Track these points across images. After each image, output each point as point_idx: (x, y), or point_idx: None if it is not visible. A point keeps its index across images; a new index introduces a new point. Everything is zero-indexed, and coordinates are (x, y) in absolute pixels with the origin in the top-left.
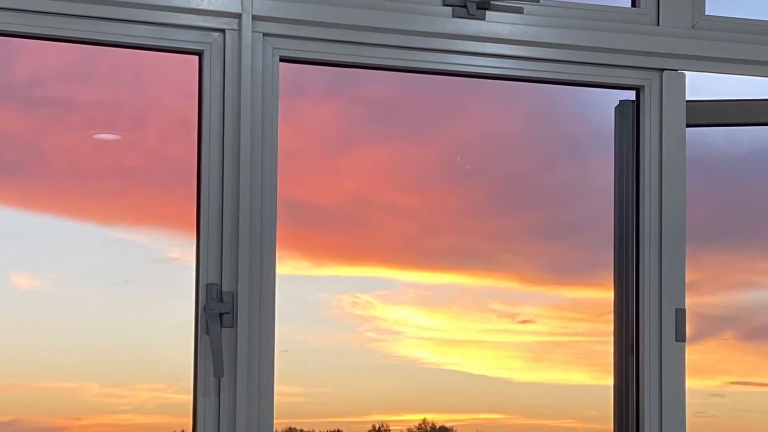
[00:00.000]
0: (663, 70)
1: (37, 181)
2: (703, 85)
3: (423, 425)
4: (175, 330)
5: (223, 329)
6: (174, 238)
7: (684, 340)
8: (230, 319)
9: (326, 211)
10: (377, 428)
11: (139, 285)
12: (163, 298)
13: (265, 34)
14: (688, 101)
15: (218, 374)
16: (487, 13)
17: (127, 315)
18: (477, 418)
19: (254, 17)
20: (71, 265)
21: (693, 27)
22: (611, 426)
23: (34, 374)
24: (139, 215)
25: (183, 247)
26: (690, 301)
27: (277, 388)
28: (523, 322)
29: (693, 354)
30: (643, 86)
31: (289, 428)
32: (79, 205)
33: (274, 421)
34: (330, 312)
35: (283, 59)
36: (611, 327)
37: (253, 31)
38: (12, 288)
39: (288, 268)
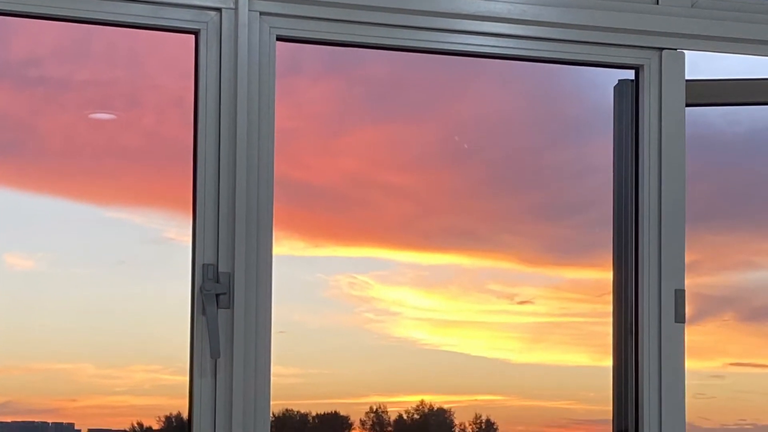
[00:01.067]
0: (662, 49)
1: (32, 160)
2: (703, 64)
3: (420, 407)
4: (171, 311)
5: (219, 310)
6: (170, 218)
7: (683, 321)
8: (227, 300)
9: (323, 191)
10: (374, 410)
11: (134, 265)
12: (159, 278)
13: (261, 13)
14: (687, 81)
15: (214, 355)
16: None
17: (122, 295)
18: (475, 400)
19: None
20: (66, 245)
21: (692, 6)
22: (610, 407)
23: (29, 355)
24: (135, 195)
25: (179, 227)
26: (689, 282)
27: (274, 369)
28: (522, 302)
29: (692, 335)
30: (642, 65)
31: (286, 410)
32: (74, 185)
33: (271, 403)
34: (327, 293)
35: (280, 38)
36: (610, 308)
37: (249, 10)
38: (6, 268)
39: (285, 248)
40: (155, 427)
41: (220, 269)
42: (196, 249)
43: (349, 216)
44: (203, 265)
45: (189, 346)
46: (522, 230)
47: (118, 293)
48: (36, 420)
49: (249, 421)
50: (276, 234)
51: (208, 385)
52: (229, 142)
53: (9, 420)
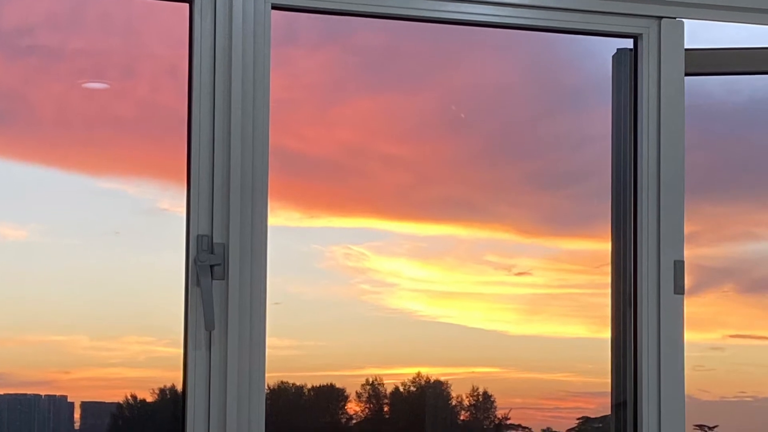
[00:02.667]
0: (661, 17)
1: (25, 130)
2: (703, 33)
3: (417, 379)
4: (165, 282)
5: (214, 281)
6: (164, 188)
7: (683, 293)
8: (221, 271)
9: (319, 161)
10: (370, 382)
11: (128, 236)
12: (153, 249)
13: None
14: (686, 49)
15: (209, 327)
16: None
17: (116, 266)
18: (472, 372)
19: None
20: (59, 215)
21: None
22: (609, 380)
23: (21, 327)
24: (129, 165)
25: (173, 197)
26: (689, 253)
27: (269, 341)
28: (519, 274)
29: (692, 306)
30: (641, 34)
31: (281, 382)
32: (67, 155)
33: (266, 375)
34: (323, 264)
35: (275, 6)
36: (609, 279)
37: None
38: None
39: (280, 219)
40: (149, 399)
41: (214, 240)
42: (191, 220)
43: (345, 186)
44: (197, 236)
45: (183, 318)
46: (519, 201)
47: (111, 264)
48: (28, 392)
49: (244, 393)
50: (271, 205)
51: (202, 357)
52: (223, 111)
53: (1, 393)
